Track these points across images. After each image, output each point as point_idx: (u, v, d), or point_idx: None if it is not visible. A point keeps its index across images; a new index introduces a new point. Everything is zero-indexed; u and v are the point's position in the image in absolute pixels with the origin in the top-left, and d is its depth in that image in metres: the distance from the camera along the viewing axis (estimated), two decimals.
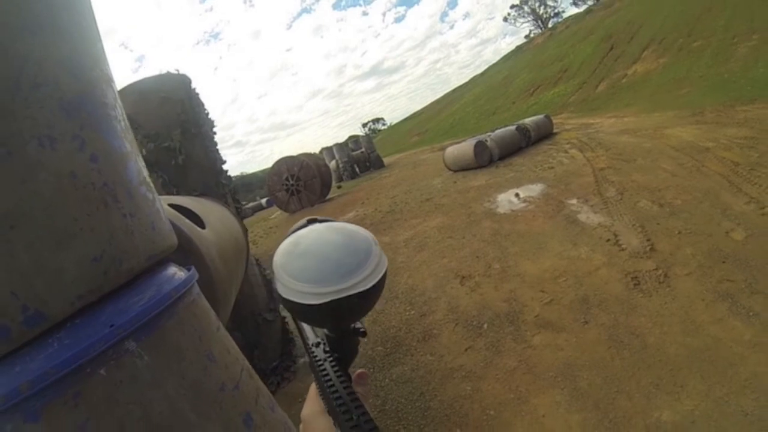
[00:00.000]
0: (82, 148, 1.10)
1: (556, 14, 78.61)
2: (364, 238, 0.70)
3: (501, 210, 9.36)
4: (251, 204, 35.06)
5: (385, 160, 32.89)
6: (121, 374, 1.07)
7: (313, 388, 0.77)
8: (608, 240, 6.24)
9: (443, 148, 19.85)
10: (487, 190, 11.51)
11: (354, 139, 35.50)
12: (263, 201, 34.84)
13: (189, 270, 1.44)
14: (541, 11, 79.91)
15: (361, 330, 0.76)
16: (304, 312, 0.65)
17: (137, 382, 1.09)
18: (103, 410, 1.04)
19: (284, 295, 0.65)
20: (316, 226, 0.76)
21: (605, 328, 4.36)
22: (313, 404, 0.73)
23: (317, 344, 0.79)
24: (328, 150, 31.30)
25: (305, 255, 0.68)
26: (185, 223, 2.79)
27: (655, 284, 4.83)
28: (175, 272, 1.40)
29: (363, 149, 31.54)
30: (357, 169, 29.83)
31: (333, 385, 0.66)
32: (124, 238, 1.17)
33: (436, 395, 4.19)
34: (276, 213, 22.67)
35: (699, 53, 22.43)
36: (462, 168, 15.87)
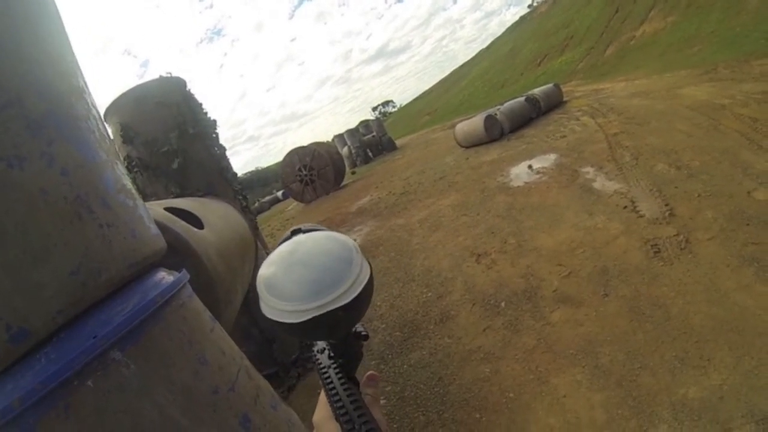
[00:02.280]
0: (51, 163, 1.12)
1: None
2: (344, 249, 0.67)
3: (514, 183, 9.24)
4: (267, 198, 35.21)
5: (397, 142, 32.93)
6: (108, 384, 1.11)
7: (322, 394, 0.74)
8: (625, 207, 6.07)
9: (453, 125, 19.69)
10: (499, 164, 11.40)
11: (365, 123, 35.43)
12: (279, 194, 34.97)
13: (179, 273, 1.47)
14: None
15: (363, 333, 0.74)
16: (289, 330, 0.63)
17: (125, 391, 1.13)
18: (93, 421, 1.07)
19: (266, 315, 0.63)
20: (299, 238, 0.73)
21: (626, 300, 4.22)
22: (322, 410, 0.72)
23: (322, 350, 0.77)
24: (339, 137, 31.34)
25: (285, 271, 0.66)
26: (180, 226, 2.75)
27: (676, 251, 4.66)
28: (163, 277, 1.43)
29: (374, 133, 31.60)
30: (370, 154, 29.84)
31: (336, 393, 0.65)
32: (101, 248, 1.20)
33: (455, 379, 4.12)
34: (292, 204, 22.76)
35: (708, 8, 21.93)
36: (473, 144, 15.76)
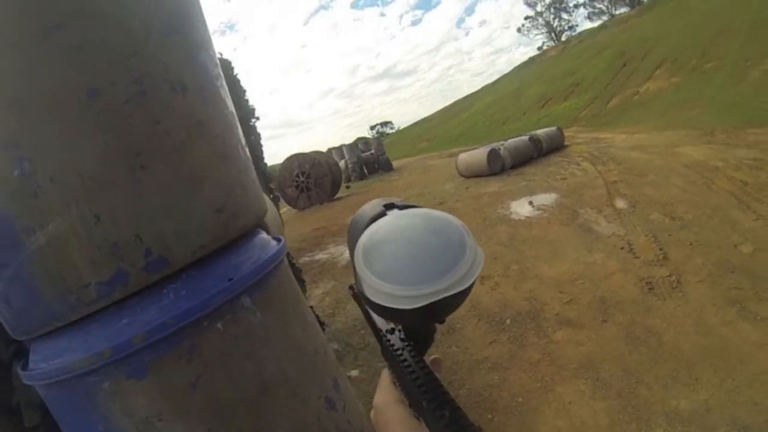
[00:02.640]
0: (206, 100, 1.11)
1: (570, 28, 78.38)
2: (456, 228, 0.62)
3: (515, 216, 9.61)
4: None
5: (394, 164, 32.86)
6: (237, 329, 1.05)
7: (384, 377, 0.73)
8: (622, 248, 6.55)
9: (452, 155, 20.00)
10: (500, 196, 11.72)
11: (364, 140, 35.50)
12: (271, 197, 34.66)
13: (279, 240, 1.42)
14: (555, 24, 79.92)
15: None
16: (393, 314, 0.60)
17: (251, 338, 1.08)
18: (218, 366, 1.01)
19: (372, 298, 0.58)
20: (399, 213, 0.68)
21: (623, 327, 4.68)
22: (386, 393, 0.69)
23: (391, 330, 0.73)
24: (337, 150, 31.20)
25: (392, 250, 0.61)
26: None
27: (668, 289, 5.15)
28: (269, 239, 1.39)
29: (372, 151, 31.52)
30: (365, 171, 29.85)
31: (416, 374, 0.60)
32: (240, 193, 1.18)
33: (465, 384, 4.46)
34: (284, 209, 22.79)
35: (712, 74, 22.61)
36: (474, 174, 16.11)
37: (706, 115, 17.61)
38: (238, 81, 5.27)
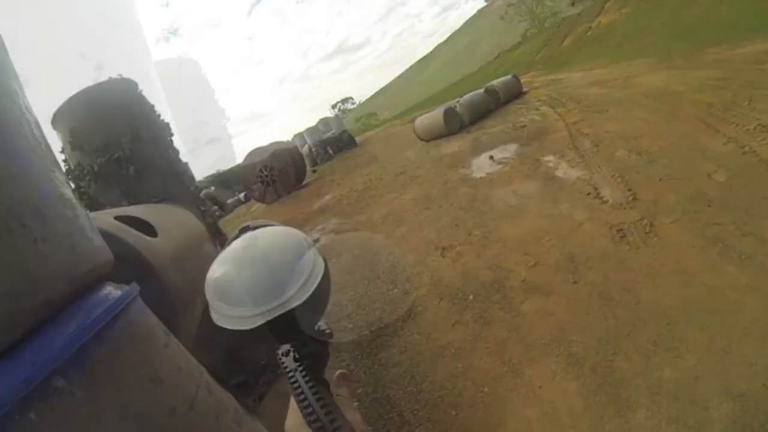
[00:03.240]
0: None
1: None
2: (295, 244, 0.64)
3: (476, 175, 9.23)
4: (231, 200, 34.53)
5: (358, 139, 32.81)
6: (52, 415, 0.99)
7: (293, 400, 0.73)
8: (588, 194, 6.10)
9: (413, 121, 19.70)
10: (460, 156, 11.40)
11: (324, 121, 35.16)
12: (241, 196, 34.36)
13: (127, 287, 1.36)
14: None
15: (327, 332, 0.73)
16: (241, 337, 0.61)
17: (72, 421, 1.02)
18: None
19: (216, 322, 0.60)
20: (247, 236, 0.70)
21: (595, 287, 4.22)
22: (294, 416, 0.70)
23: (287, 353, 0.73)
24: (299, 136, 31.12)
25: (233, 273, 0.63)
26: (131, 235, 2.63)
27: (641, 235, 4.68)
28: (110, 292, 1.32)
29: (333, 130, 31.34)
30: (330, 151, 29.56)
31: (306, 399, 0.62)
32: (36, 265, 1.09)
33: (428, 376, 4.06)
34: (256, 206, 22.52)
35: (662, 1, 22.36)
36: (434, 137, 15.73)
37: (661, 42, 17.51)
38: (145, 99, 4.93)
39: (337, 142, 30.52)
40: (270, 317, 0.57)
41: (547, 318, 4.09)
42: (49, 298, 1.11)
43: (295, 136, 31.62)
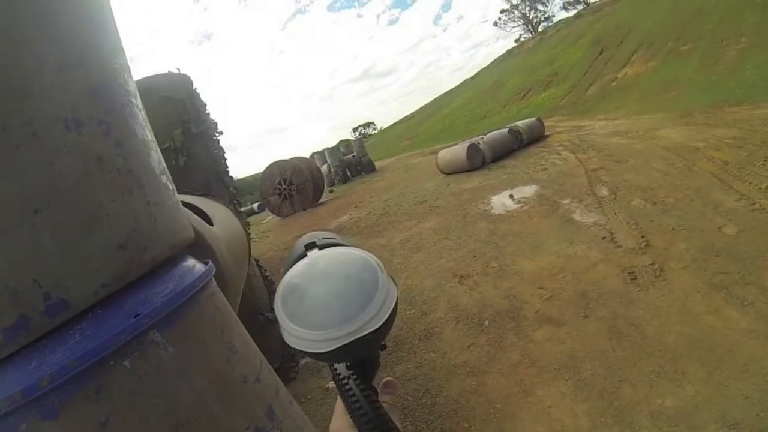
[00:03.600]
0: (108, 133, 1.09)
1: (546, 18, 78.60)
2: (370, 267, 0.65)
3: (496, 211, 9.44)
4: (243, 209, 34.59)
5: (376, 164, 32.88)
6: (146, 366, 1.02)
7: (339, 404, 0.74)
8: (604, 237, 6.35)
9: (434, 152, 19.97)
10: (480, 191, 11.58)
11: (345, 143, 35.51)
12: (255, 206, 34.57)
13: (206, 263, 1.41)
14: (531, 15, 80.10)
15: (383, 344, 0.71)
16: (316, 357, 0.62)
17: (163, 373, 1.05)
18: (127, 404, 0.99)
19: (291, 344, 0.61)
20: (315, 255, 0.72)
21: (605, 321, 4.46)
22: (339, 420, 0.70)
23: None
24: (319, 154, 31.26)
25: (308, 295, 0.64)
26: (195, 219, 2.83)
27: (651, 278, 4.94)
28: (195, 264, 1.38)
29: (354, 153, 31.58)
30: (349, 173, 29.76)
31: (360, 405, 0.63)
32: (148, 225, 1.15)
33: (442, 391, 4.25)
34: (268, 218, 22.60)
35: (687, 56, 22.60)
36: (454, 171, 15.97)
37: (684, 97, 17.64)
38: (198, 95, 5.10)
39: (356, 165, 30.73)
40: (346, 341, 0.57)
41: (558, 346, 4.32)
42: (154, 258, 1.17)
43: (315, 153, 31.80)
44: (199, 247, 2.69)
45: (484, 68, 75.12)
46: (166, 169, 1.39)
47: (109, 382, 0.96)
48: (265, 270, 5.91)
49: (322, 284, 0.64)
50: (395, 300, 0.63)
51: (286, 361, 5.42)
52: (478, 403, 3.96)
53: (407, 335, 5.42)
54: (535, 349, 4.40)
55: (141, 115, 1.26)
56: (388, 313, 0.60)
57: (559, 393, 3.73)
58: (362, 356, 0.69)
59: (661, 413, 3.23)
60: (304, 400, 4.82)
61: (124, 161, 1.11)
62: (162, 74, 4.83)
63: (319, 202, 20.83)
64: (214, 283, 1.47)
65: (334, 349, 0.57)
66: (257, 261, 5.94)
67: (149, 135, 1.29)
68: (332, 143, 34.52)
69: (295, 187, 19.50)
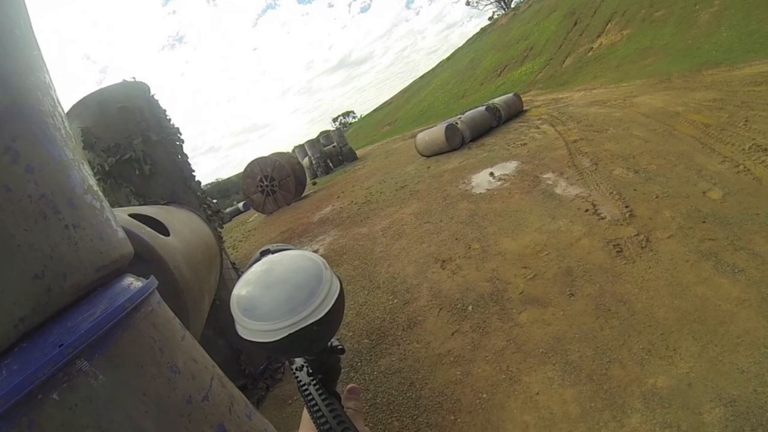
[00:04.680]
0: (16, 159, 1.05)
1: None
2: (314, 266, 0.69)
3: (477, 190, 9.28)
4: (228, 209, 34.60)
5: (358, 152, 32.86)
6: (75, 397, 1.01)
7: (305, 412, 0.76)
8: (587, 210, 6.18)
9: (414, 136, 19.79)
10: (461, 172, 11.45)
11: (325, 134, 35.17)
12: (240, 205, 34.47)
13: (146, 280, 1.39)
14: None
15: (339, 347, 0.77)
16: (266, 349, 0.63)
17: (94, 403, 1.04)
18: None
19: (243, 336, 0.64)
20: (267, 258, 0.75)
21: (592, 299, 4.29)
22: (306, 427, 0.73)
23: (300, 368, 0.78)
24: (300, 148, 31.04)
25: (257, 292, 0.67)
26: (146, 232, 2.69)
27: (637, 250, 4.77)
28: (131, 282, 1.35)
29: (335, 143, 31.42)
30: (330, 164, 29.58)
31: (320, 411, 0.67)
32: (67, 250, 1.12)
33: (427, 383, 4.10)
34: (254, 216, 22.48)
35: (662, 22, 22.54)
36: (434, 153, 15.83)
37: (661, 63, 17.59)
38: (156, 102, 5.02)
39: (337, 155, 30.60)
40: (291, 331, 0.60)
41: (544, 328, 4.15)
42: (78, 283, 1.14)
43: (296, 147, 31.57)
44: (148, 261, 2.53)
45: (460, 48, 74.83)
46: (94, 187, 1.35)
47: (39, 417, 0.95)
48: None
49: (272, 281, 0.68)
50: (338, 293, 0.66)
51: (271, 362, 5.30)
52: (463, 393, 3.80)
53: (390, 326, 5.25)
54: (521, 333, 4.22)
55: (60, 134, 1.23)
56: (330, 305, 0.63)
57: (547, 378, 3.57)
58: (312, 351, 0.71)
59: (654, 394, 3.06)
60: (290, 401, 4.68)
61: (36, 187, 1.08)
62: (117, 84, 4.73)
63: (303, 195, 20.72)
64: (156, 299, 1.45)
65: (282, 339, 0.60)
66: (233, 264, 5.74)
67: (69, 154, 1.25)
68: (314, 135, 34.40)
69: (276, 183, 19.37)
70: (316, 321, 0.61)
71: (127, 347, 1.18)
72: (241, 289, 0.69)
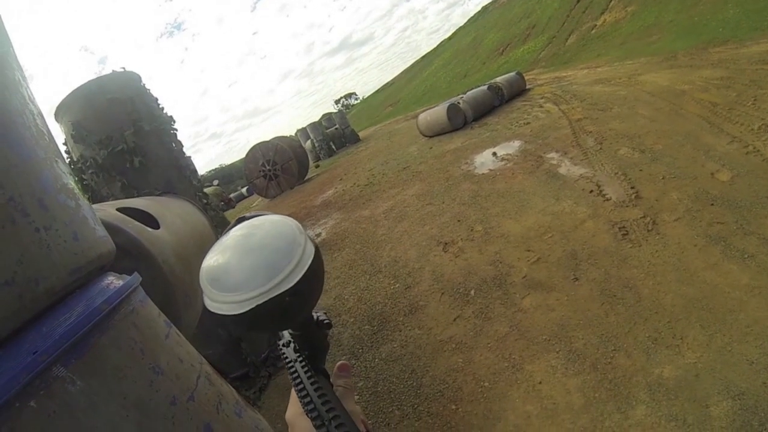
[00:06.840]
0: None
1: None
2: (287, 230, 0.62)
3: (479, 171, 9.17)
4: (233, 194, 34.70)
5: (360, 134, 32.82)
6: (52, 404, 0.99)
7: (293, 390, 0.70)
8: (591, 191, 6.06)
9: (417, 116, 19.66)
10: (463, 152, 11.33)
11: (327, 116, 35.07)
12: (244, 190, 34.56)
13: (128, 277, 1.36)
14: None
15: (326, 321, 0.72)
16: (238, 323, 0.57)
17: (72, 410, 1.02)
18: None
19: (209, 308, 0.58)
20: (241, 225, 0.68)
21: (597, 284, 4.20)
22: (294, 406, 0.68)
23: (287, 344, 0.73)
24: (302, 131, 30.99)
25: (226, 261, 0.60)
26: (132, 226, 2.62)
27: (644, 233, 4.66)
28: (111, 282, 1.32)
29: (337, 126, 31.41)
30: (333, 146, 29.58)
31: (305, 389, 0.63)
32: (38, 254, 1.09)
33: (428, 371, 4.03)
34: (258, 200, 22.50)
35: None
36: (437, 133, 15.69)
37: (666, 40, 17.35)
38: (148, 91, 4.93)
39: (340, 137, 30.53)
40: (261, 301, 0.54)
41: (548, 314, 4.07)
42: (51, 287, 1.12)
43: (298, 131, 31.51)
44: (135, 257, 2.45)
45: (461, 27, 74.29)
46: (69, 186, 1.31)
47: (18, 426, 0.94)
48: None
49: (241, 251, 0.61)
50: (311, 259, 0.59)
51: (273, 350, 5.23)
52: (465, 382, 3.73)
53: (392, 311, 5.18)
54: (524, 319, 4.14)
55: (30, 133, 1.19)
56: (302, 272, 0.57)
57: (550, 367, 3.49)
58: (287, 324, 0.69)
59: (660, 384, 2.98)
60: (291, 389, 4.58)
61: (2, 191, 1.04)
62: (107, 75, 4.63)
63: (306, 178, 20.68)
64: (139, 297, 1.42)
65: (249, 311, 0.54)
66: None
67: (42, 153, 1.22)
68: (316, 118, 34.21)
69: (279, 167, 19.39)
70: (286, 290, 0.55)
71: (105, 350, 1.15)
72: (210, 259, 0.63)
